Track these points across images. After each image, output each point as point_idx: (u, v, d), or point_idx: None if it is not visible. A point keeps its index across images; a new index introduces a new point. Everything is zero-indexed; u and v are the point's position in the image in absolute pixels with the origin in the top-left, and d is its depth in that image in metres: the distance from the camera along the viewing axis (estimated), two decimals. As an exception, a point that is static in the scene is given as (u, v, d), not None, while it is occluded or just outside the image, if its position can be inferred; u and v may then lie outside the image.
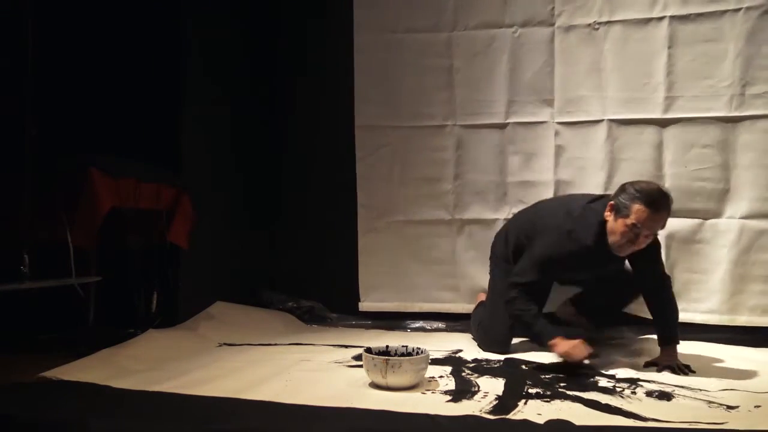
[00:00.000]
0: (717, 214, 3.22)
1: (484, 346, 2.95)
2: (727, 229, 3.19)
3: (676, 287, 3.20)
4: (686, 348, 2.97)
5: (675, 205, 3.18)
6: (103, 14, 3.09)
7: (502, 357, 2.76)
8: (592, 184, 3.40)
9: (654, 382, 2.31)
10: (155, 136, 3.06)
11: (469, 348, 2.95)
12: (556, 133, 3.46)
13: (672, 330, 2.65)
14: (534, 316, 2.64)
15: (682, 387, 2.25)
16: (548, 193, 3.44)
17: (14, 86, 2.51)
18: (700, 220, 3.24)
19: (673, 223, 3.24)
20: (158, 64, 3.13)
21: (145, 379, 2.25)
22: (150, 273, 3.00)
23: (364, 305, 3.68)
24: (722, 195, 3.21)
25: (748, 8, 3.15)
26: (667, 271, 3.20)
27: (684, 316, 3.14)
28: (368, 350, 2.30)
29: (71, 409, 1.89)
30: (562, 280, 3.04)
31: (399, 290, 3.64)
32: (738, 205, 3.18)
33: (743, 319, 3.14)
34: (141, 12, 3.12)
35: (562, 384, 2.27)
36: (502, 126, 3.55)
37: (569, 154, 3.45)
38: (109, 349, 2.54)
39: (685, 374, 2.44)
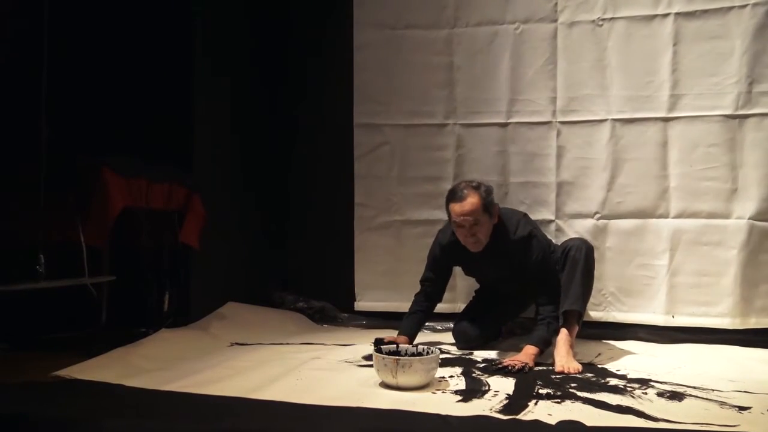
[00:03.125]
0: (725, 215, 3.17)
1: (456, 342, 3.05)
2: (735, 230, 3.14)
3: (683, 290, 3.21)
4: (700, 350, 2.98)
5: (681, 206, 3.24)
6: (115, 17, 3.12)
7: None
8: (595, 186, 3.38)
9: (666, 383, 2.30)
10: (166, 136, 3.07)
11: (479, 349, 2.95)
12: (559, 133, 3.44)
13: (535, 336, 2.68)
14: (408, 313, 2.97)
15: (693, 387, 2.24)
16: (550, 195, 3.44)
17: (29, 87, 2.52)
18: (708, 221, 3.20)
19: (680, 225, 3.24)
20: (169, 65, 3.15)
21: (157, 378, 2.26)
22: (162, 273, 3.02)
23: (360, 305, 3.68)
24: (730, 195, 3.16)
25: (755, 4, 3.12)
26: (672, 274, 3.22)
27: (694, 321, 3.18)
28: (378, 350, 2.30)
29: (84, 408, 1.90)
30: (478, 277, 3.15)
31: (395, 290, 3.60)
32: (746, 205, 3.13)
33: (753, 321, 3.10)
34: (152, 14, 3.14)
35: (572, 384, 2.27)
36: (503, 125, 3.52)
37: (572, 155, 3.42)
38: (122, 349, 2.56)
39: (514, 374, 2.44)
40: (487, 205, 2.73)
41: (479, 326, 3.02)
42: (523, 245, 2.78)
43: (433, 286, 3.00)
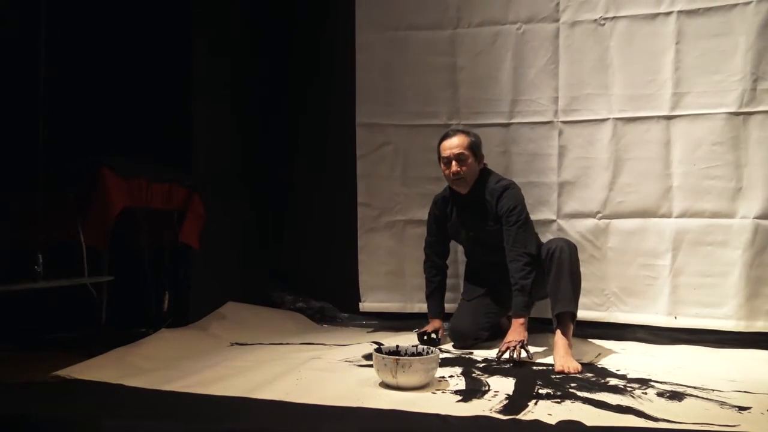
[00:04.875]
0: (729, 215, 3.13)
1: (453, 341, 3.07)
2: (740, 230, 3.10)
3: (687, 292, 3.19)
4: (699, 350, 2.98)
5: (684, 205, 3.21)
6: (115, 17, 3.13)
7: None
8: (597, 185, 3.37)
9: (666, 383, 2.29)
10: (166, 136, 3.08)
11: (478, 348, 2.95)
12: (560, 133, 3.43)
13: (515, 306, 2.76)
14: (428, 294, 3.21)
15: (693, 387, 2.23)
16: (552, 195, 3.43)
17: (27, 87, 2.52)
18: (711, 221, 3.16)
19: (683, 224, 3.22)
20: (168, 65, 3.15)
21: (157, 378, 2.26)
22: (161, 273, 3.02)
23: (365, 305, 3.68)
24: (734, 194, 3.12)
25: (759, 1, 3.09)
26: (674, 275, 3.20)
27: (697, 322, 3.15)
28: (378, 350, 2.30)
29: (84, 408, 1.90)
30: (465, 242, 3.21)
31: (400, 291, 3.63)
32: (751, 205, 3.09)
33: (760, 324, 3.04)
34: (151, 14, 3.15)
35: (572, 384, 2.27)
36: (505, 125, 3.52)
37: (573, 154, 3.41)
38: (122, 349, 2.56)
39: (519, 362, 2.54)
40: (474, 146, 2.97)
41: (472, 322, 3.04)
42: (501, 192, 2.94)
43: (435, 251, 3.23)
